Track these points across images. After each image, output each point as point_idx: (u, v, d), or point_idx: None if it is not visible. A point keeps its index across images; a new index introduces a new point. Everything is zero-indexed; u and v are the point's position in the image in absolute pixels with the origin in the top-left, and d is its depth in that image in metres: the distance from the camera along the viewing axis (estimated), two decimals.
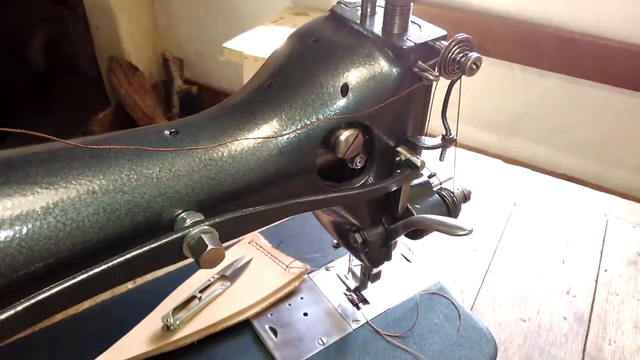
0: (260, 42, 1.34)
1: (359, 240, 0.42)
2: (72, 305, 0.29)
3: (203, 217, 0.32)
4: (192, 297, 0.55)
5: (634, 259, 0.75)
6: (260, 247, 0.61)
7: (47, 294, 0.27)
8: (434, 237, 0.64)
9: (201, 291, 0.55)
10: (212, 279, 0.57)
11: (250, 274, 0.58)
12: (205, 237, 0.30)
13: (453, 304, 0.56)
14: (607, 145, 1.33)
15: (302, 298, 0.57)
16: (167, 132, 0.33)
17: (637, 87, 1.19)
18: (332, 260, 0.60)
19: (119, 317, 0.54)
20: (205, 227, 0.31)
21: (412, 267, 0.61)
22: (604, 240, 0.77)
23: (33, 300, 0.27)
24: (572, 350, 0.63)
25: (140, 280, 0.62)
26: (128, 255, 0.30)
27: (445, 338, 0.53)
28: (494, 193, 0.83)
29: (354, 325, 0.54)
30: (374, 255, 0.45)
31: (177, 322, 0.52)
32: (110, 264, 0.29)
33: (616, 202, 0.84)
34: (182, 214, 0.32)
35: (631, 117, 1.25)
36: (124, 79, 1.95)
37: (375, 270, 0.50)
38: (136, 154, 0.32)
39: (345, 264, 0.57)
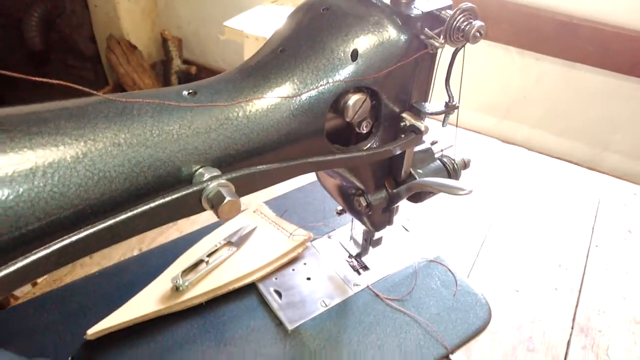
0: (260, 21, 1.35)
1: (364, 203, 0.44)
2: (99, 249, 0.31)
3: (220, 172, 0.34)
4: (200, 261, 0.57)
5: (624, 235, 0.78)
6: (265, 216, 0.63)
7: (78, 236, 0.29)
8: (432, 209, 0.66)
9: (208, 255, 0.57)
10: (218, 245, 0.59)
11: (256, 240, 0.60)
12: (223, 190, 0.32)
13: (450, 271, 0.59)
14: (602, 130, 1.35)
15: (305, 264, 0.59)
16: (185, 93, 0.35)
17: (634, 72, 1.21)
18: (334, 229, 0.63)
19: (129, 280, 0.56)
20: (223, 181, 0.33)
21: (411, 237, 0.63)
22: (595, 217, 0.80)
23: (66, 242, 0.29)
24: (563, 319, 0.66)
25: (147, 247, 0.64)
26: (151, 205, 0.31)
27: (441, 302, 0.56)
28: (491, 169, 0.85)
29: (355, 290, 0.56)
30: (377, 219, 0.47)
31: (186, 284, 0.54)
32: (135, 212, 0.31)
33: (608, 182, 0.87)
34: (200, 169, 0.34)
35: (627, 102, 1.28)
36: (123, 58, 1.95)
37: (376, 236, 0.53)
38: (158, 111, 0.33)
39: (347, 232, 0.60)
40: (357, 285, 0.57)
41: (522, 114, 1.43)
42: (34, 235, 0.29)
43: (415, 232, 0.64)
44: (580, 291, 0.69)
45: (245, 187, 0.34)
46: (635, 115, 1.28)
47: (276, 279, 0.57)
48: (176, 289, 0.54)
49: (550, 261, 0.72)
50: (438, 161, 0.44)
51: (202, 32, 1.98)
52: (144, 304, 0.53)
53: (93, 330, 0.50)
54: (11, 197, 0.27)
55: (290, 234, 0.60)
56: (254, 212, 0.64)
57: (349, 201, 0.46)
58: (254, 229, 0.61)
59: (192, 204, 0.33)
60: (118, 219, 0.30)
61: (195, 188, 0.32)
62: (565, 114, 1.38)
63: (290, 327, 0.52)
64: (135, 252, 0.61)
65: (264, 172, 0.34)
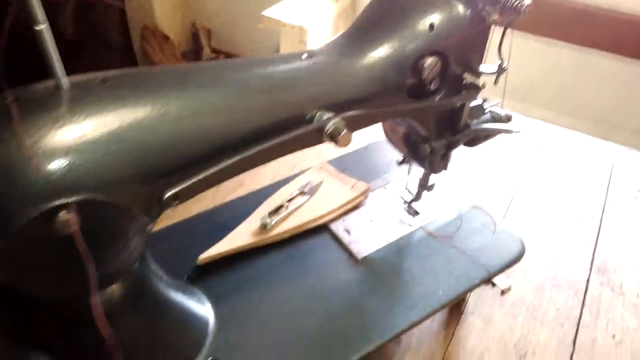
0: (296, 11, 1.46)
1: (428, 149, 0.55)
2: (249, 168, 0.43)
3: (333, 114, 0.45)
4: (281, 206, 0.68)
5: (634, 194, 0.89)
6: (329, 172, 0.75)
7: (242, 156, 0.41)
8: (472, 167, 0.78)
9: (287, 202, 0.69)
10: (294, 194, 0.70)
11: (324, 190, 0.72)
12: (340, 125, 0.43)
13: (488, 214, 0.70)
14: (615, 111, 1.45)
15: (366, 210, 0.70)
16: (303, 56, 0.46)
17: None
18: (389, 182, 0.74)
19: (224, 221, 0.67)
20: (338, 119, 0.44)
21: (454, 189, 0.74)
22: (609, 179, 0.91)
23: (233, 160, 0.40)
24: (582, 261, 0.77)
25: (232, 196, 0.75)
26: (285, 137, 0.43)
27: (483, 239, 0.67)
28: (516, 137, 0.97)
29: (410, 229, 0.68)
30: (436, 164, 0.58)
31: (272, 222, 0.65)
32: (275, 141, 0.42)
33: (620, 151, 0.98)
34: (318, 112, 0.45)
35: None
36: (157, 48, 2.07)
37: (430, 182, 0.64)
38: (282, 65, 0.45)
39: (401, 184, 0.71)
40: (411, 225, 0.68)
41: (538, 97, 1.53)
42: (205, 157, 0.41)
43: (458, 184, 0.75)
44: (597, 239, 0.81)
45: (352, 126, 0.45)
46: None
47: (344, 221, 0.69)
48: (264, 227, 0.65)
49: (571, 215, 0.84)
50: (488, 114, 0.55)
51: (230, 22, 2.09)
52: (239, 238, 0.64)
53: (203, 256, 0.62)
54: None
55: (352, 185, 0.72)
56: (319, 168, 0.75)
57: (414, 148, 0.57)
58: (321, 182, 0.73)
59: (315, 137, 0.44)
60: (261, 147, 0.42)
61: (319, 124, 0.43)
62: (579, 96, 1.48)
63: (359, 256, 0.64)
64: (229, 198, 0.73)
65: (368, 115, 0.46)
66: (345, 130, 0.43)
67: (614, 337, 0.68)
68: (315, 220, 0.67)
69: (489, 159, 0.91)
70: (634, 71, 1.36)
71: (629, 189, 0.90)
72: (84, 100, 0.35)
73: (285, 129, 0.43)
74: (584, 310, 0.71)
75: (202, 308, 0.57)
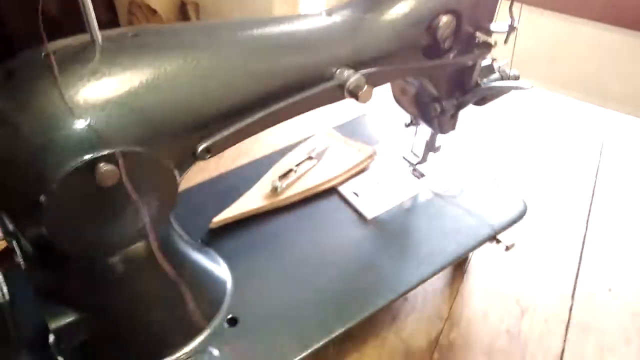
0: None
1: (438, 109, 0.57)
2: (275, 124, 0.44)
3: (354, 71, 0.46)
4: (290, 170, 0.69)
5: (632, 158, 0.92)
6: (335, 137, 0.76)
7: (267, 111, 0.42)
8: (472, 136, 0.80)
9: (296, 166, 0.70)
10: (302, 158, 0.71)
11: (331, 155, 0.73)
12: (361, 82, 0.44)
13: (491, 175, 0.72)
14: (607, 81, 1.46)
15: (373, 173, 0.72)
16: (322, 14, 0.47)
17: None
18: (394, 147, 0.75)
19: (235, 185, 0.68)
20: (359, 76, 0.45)
21: (458, 152, 0.76)
22: (602, 147, 0.94)
23: (259, 115, 0.41)
24: (578, 218, 0.80)
25: (234, 166, 0.76)
26: (308, 93, 0.44)
27: (487, 198, 0.69)
28: (518, 102, 0.99)
29: (417, 191, 0.70)
30: (445, 124, 0.60)
31: (283, 185, 0.67)
32: (295, 98, 0.43)
33: (613, 115, 1.01)
34: (338, 70, 0.46)
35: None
36: (144, 22, 2.03)
37: (437, 144, 0.66)
38: (303, 23, 0.45)
39: (406, 148, 0.72)
40: (417, 187, 0.70)
41: (529, 67, 1.54)
42: (234, 111, 0.42)
43: (461, 147, 0.77)
44: (592, 196, 0.84)
45: (374, 81, 0.46)
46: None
47: (351, 184, 0.70)
48: (275, 190, 0.67)
49: (567, 175, 0.86)
50: (497, 73, 0.56)
51: None
52: (251, 201, 0.66)
53: (216, 220, 0.63)
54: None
55: (358, 150, 0.73)
56: (325, 134, 0.77)
57: (424, 109, 0.59)
58: (327, 147, 0.74)
59: (336, 93, 0.45)
60: (285, 103, 0.43)
61: (340, 80, 0.44)
62: (572, 67, 1.49)
63: (368, 217, 0.66)
64: (239, 163, 0.74)
65: (385, 72, 0.47)
66: (366, 86, 0.44)
67: (610, 290, 0.71)
68: (324, 183, 0.69)
69: (489, 123, 0.94)
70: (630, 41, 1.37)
71: (624, 156, 0.93)
72: (119, 54, 0.36)
73: (307, 86, 0.44)
74: (581, 265, 0.74)
75: (219, 268, 0.58)
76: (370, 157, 0.73)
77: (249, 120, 0.40)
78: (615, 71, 1.44)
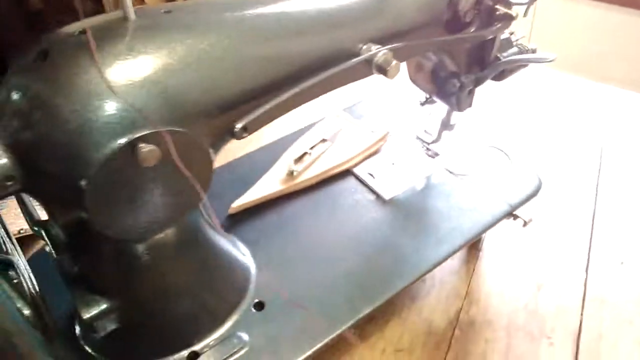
0: None
1: (457, 84, 0.57)
2: (305, 102, 0.43)
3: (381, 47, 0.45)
4: (304, 153, 0.69)
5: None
6: (346, 119, 0.76)
7: (301, 87, 0.41)
8: (484, 110, 0.80)
9: (311, 149, 0.69)
10: (316, 141, 0.71)
11: (344, 137, 0.72)
12: (389, 57, 0.44)
13: (504, 152, 0.72)
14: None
15: (387, 154, 0.72)
16: None
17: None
18: (405, 127, 0.75)
19: (249, 170, 0.68)
20: (386, 51, 0.45)
21: (474, 133, 0.76)
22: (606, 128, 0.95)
23: (293, 91, 0.41)
24: (588, 189, 0.81)
25: (252, 147, 0.75)
26: (337, 69, 0.43)
27: (502, 176, 0.69)
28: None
29: (432, 170, 0.69)
30: (462, 100, 0.60)
31: (299, 169, 0.66)
32: (327, 74, 0.43)
33: (615, 91, 1.02)
34: (365, 46, 0.46)
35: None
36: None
37: (452, 122, 0.65)
38: (331, 1, 0.45)
39: (419, 128, 0.72)
40: (432, 166, 0.70)
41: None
42: (266, 89, 0.41)
43: (473, 129, 0.77)
44: (599, 172, 0.84)
45: (401, 55, 0.46)
46: None
47: (366, 165, 0.70)
48: (291, 174, 0.66)
49: (574, 152, 0.87)
50: (515, 47, 0.56)
51: None
52: (268, 185, 0.65)
53: (235, 205, 0.62)
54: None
55: (371, 131, 0.73)
56: (336, 116, 0.76)
57: (441, 85, 0.58)
58: (339, 130, 0.74)
59: (364, 69, 0.45)
60: (319, 78, 0.42)
61: (367, 55, 0.44)
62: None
63: (386, 197, 0.65)
64: (253, 148, 0.74)
65: (411, 47, 0.46)
66: (394, 61, 0.43)
67: (622, 263, 0.72)
68: (339, 165, 0.68)
69: (500, 102, 0.95)
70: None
71: (628, 127, 0.94)
72: (153, 31, 0.35)
73: (336, 62, 0.44)
74: (592, 240, 0.75)
75: (242, 254, 0.58)
76: (383, 138, 0.72)
77: (283, 97, 0.39)
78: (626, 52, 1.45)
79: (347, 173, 0.69)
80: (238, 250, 0.57)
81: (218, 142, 0.38)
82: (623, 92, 1.03)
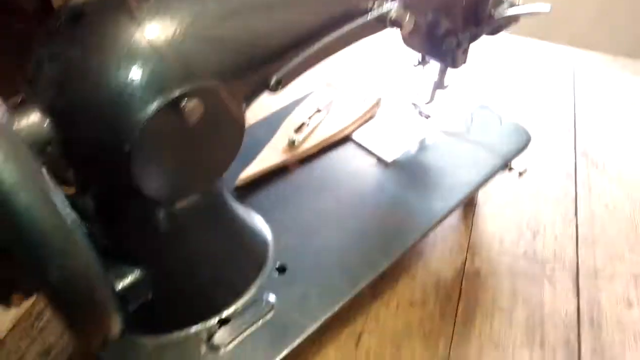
0: None
1: (454, 42, 0.58)
2: (328, 56, 0.44)
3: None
4: (302, 124, 0.70)
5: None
6: (336, 88, 0.77)
7: (318, 46, 0.42)
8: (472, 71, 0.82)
9: (308, 118, 0.70)
10: (312, 111, 0.71)
11: (338, 106, 0.73)
12: (402, 11, 0.45)
13: (493, 111, 0.75)
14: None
15: (381, 119, 0.73)
16: None
17: None
18: (396, 91, 0.77)
19: (246, 146, 0.67)
20: (398, 6, 0.46)
21: (462, 94, 0.78)
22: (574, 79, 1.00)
23: (311, 51, 0.41)
24: (567, 150, 0.85)
25: (253, 119, 0.75)
26: (353, 25, 0.44)
27: (494, 132, 0.72)
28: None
29: (427, 131, 0.72)
30: (458, 57, 0.61)
31: (300, 138, 0.67)
32: (346, 29, 0.44)
33: (582, 54, 1.07)
34: (376, 2, 0.47)
35: None
36: None
37: (445, 83, 0.68)
38: None
39: (410, 93, 0.74)
40: (426, 127, 0.72)
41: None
42: (300, 41, 0.41)
43: (464, 90, 0.79)
44: (575, 122, 0.89)
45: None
46: None
47: (364, 130, 0.71)
48: (292, 144, 0.67)
49: (549, 112, 0.91)
50: (506, 2, 0.59)
51: None
52: (271, 157, 0.65)
53: (242, 177, 0.63)
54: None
55: (363, 99, 0.74)
56: (327, 85, 0.77)
57: (437, 44, 0.60)
58: (332, 100, 0.75)
59: (380, 23, 0.46)
60: (341, 32, 0.43)
61: (383, 11, 0.45)
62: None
63: (388, 160, 0.67)
64: (253, 121, 0.74)
65: (414, 3, 0.48)
66: (409, 15, 0.45)
67: (607, 206, 0.77)
68: (338, 133, 0.69)
69: (483, 77, 0.98)
70: None
71: (597, 88, 0.99)
72: None
73: (351, 18, 0.44)
74: (577, 188, 0.79)
75: (257, 221, 0.58)
76: (377, 104, 0.74)
77: (310, 50, 0.40)
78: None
79: (346, 140, 0.70)
80: (253, 218, 0.58)
81: (251, 97, 0.38)
82: (583, 52, 1.08)
